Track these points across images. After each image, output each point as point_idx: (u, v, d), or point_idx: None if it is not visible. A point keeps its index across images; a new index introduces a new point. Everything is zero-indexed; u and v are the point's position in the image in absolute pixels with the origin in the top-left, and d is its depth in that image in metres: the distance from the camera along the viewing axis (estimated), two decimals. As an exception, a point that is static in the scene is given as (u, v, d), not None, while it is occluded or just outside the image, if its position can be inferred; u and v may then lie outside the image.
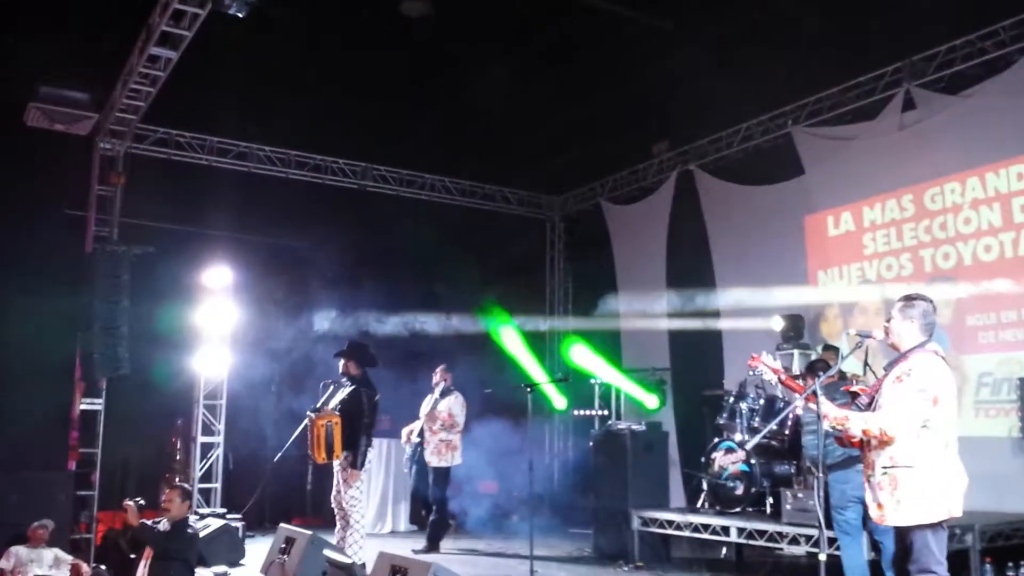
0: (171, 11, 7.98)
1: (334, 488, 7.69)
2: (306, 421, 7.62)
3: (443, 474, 9.34)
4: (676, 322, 11.28)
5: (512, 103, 11.29)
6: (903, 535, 4.46)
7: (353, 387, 7.59)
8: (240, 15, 7.58)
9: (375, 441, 10.18)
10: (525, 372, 10.73)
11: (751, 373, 8.60)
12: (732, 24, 9.71)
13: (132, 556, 6.37)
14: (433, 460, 9.30)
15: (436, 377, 9.59)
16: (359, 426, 7.43)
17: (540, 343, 13.53)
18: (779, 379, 4.91)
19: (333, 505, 7.70)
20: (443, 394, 9.42)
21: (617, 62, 10.93)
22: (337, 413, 7.39)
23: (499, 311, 10.69)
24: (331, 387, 7.98)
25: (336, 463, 7.57)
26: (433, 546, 9.17)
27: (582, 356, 10.29)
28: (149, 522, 6.29)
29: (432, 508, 9.41)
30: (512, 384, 9.61)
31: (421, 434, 9.43)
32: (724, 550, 8.45)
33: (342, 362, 7.79)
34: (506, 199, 13.49)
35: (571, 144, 12.19)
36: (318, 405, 7.59)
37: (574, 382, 10.80)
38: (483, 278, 12.08)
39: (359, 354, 7.80)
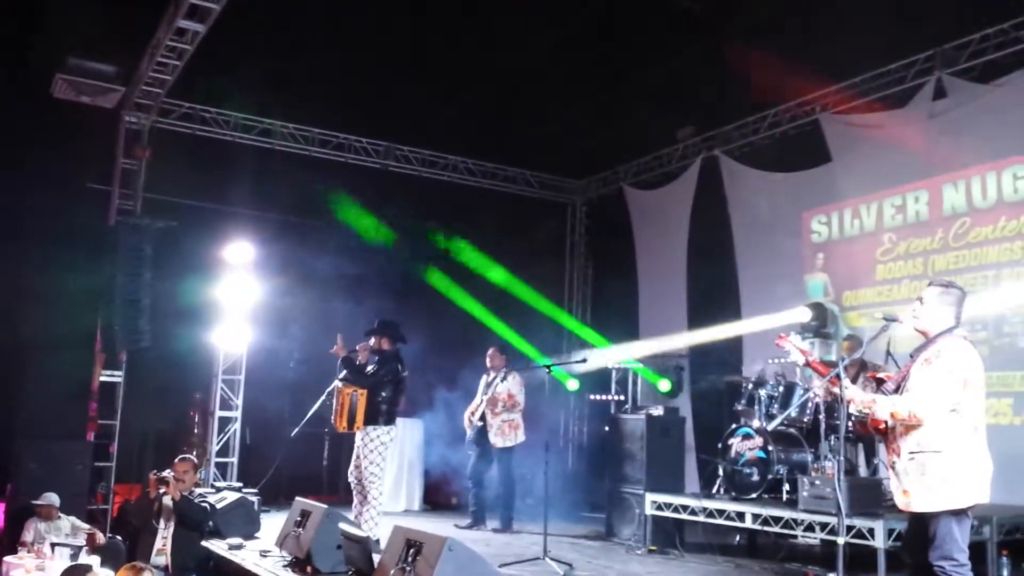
0: (200, -17, 7.99)
1: (352, 463, 7.73)
2: (324, 396, 7.71)
3: (509, 454, 9.41)
4: (696, 308, 11.22)
5: (536, 86, 11.24)
6: (925, 522, 4.41)
7: (382, 361, 7.75)
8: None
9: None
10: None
11: (772, 361, 8.68)
12: (761, 8, 9.62)
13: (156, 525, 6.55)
14: (498, 441, 9.35)
15: (491, 361, 9.61)
16: (384, 392, 7.64)
17: (558, 327, 13.51)
18: (806, 360, 4.87)
19: (351, 480, 7.75)
20: (503, 377, 9.46)
21: (643, 46, 10.85)
22: (365, 386, 7.57)
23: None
24: (348, 363, 8.11)
25: (357, 436, 7.61)
26: (508, 526, 9.28)
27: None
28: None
29: (476, 487, 9.55)
30: (530, 366, 9.65)
31: (483, 417, 9.44)
32: (738, 536, 8.41)
33: (373, 339, 7.87)
34: (528, 182, 13.44)
35: (594, 128, 12.12)
36: (341, 377, 7.66)
37: (591, 366, 10.77)
38: (503, 260, 12.06)
39: (390, 331, 7.97)
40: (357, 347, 7.92)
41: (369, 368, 7.82)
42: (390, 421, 7.71)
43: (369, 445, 7.63)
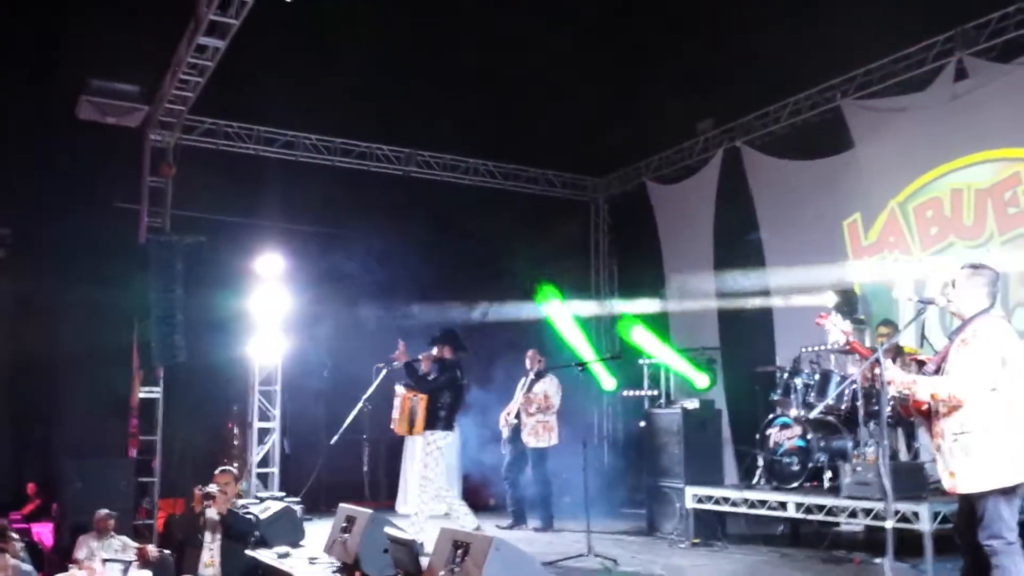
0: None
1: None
2: (361, 403, 7.88)
3: (542, 455, 9.50)
4: (725, 300, 11.21)
5: (553, 85, 11.27)
6: (972, 502, 4.41)
7: (443, 368, 8.04)
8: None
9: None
10: (575, 352, 10.78)
11: (806, 349, 8.67)
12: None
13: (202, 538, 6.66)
14: (531, 441, 9.48)
15: (529, 363, 9.73)
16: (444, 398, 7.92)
17: (588, 324, 13.51)
18: (847, 340, 4.89)
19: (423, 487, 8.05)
20: (538, 376, 9.59)
21: (658, 38, 10.87)
22: (426, 391, 7.86)
23: (550, 289, 10.69)
24: (383, 370, 8.31)
25: (417, 439, 7.98)
26: (549, 525, 9.37)
27: (640, 336, 10.29)
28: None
29: (513, 487, 9.69)
30: (563, 364, 9.69)
31: (518, 416, 9.57)
32: (780, 526, 8.40)
33: (436, 347, 8.15)
34: (550, 182, 13.47)
35: (614, 125, 12.14)
36: (403, 383, 8.05)
37: (623, 362, 10.79)
38: (529, 261, 12.08)
39: (452, 340, 8.22)
40: (420, 356, 8.15)
41: (431, 375, 8.05)
42: (448, 426, 7.95)
43: (426, 449, 7.86)
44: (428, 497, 7.77)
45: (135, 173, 10.42)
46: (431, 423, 7.81)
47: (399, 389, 7.98)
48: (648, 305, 11.89)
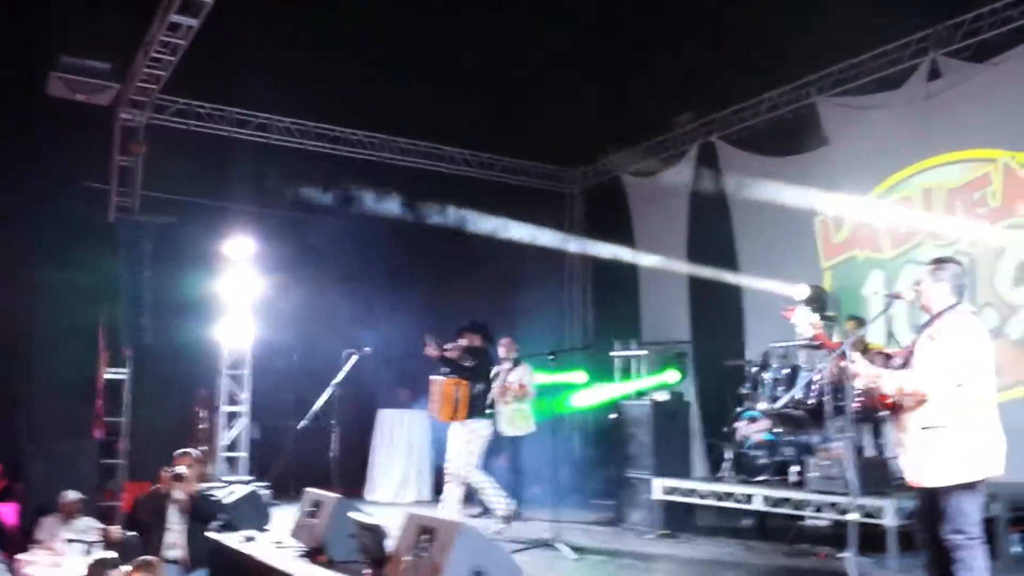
0: (194, -23, 7.98)
1: (450, 452, 8.28)
2: (330, 388, 8.05)
3: (518, 443, 9.54)
4: (697, 294, 11.25)
5: (531, 75, 11.23)
6: (936, 497, 4.44)
7: (476, 355, 8.30)
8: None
9: (399, 413, 10.50)
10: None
11: (776, 344, 8.71)
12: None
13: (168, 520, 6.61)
14: (508, 430, 9.45)
15: (504, 350, 9.68)
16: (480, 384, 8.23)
17: (560, 317, 13.53)
18: (814, 333, 4.91)
19: (448, 470, 8.28)
20: (513, 365, 9.60)
21: (638, 32, 10.85)
22: (466, 378, 8.09)
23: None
24: (354, 356, 8.39)
25: (457, 427, 8.16)
26: (517, 514, 9.24)
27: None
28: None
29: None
30: (536, 353, 9.66)
31: (492, 405, 9.53)
32: (747, 519, 8.45)
33: (466, 337, 8.39)
34: (525, 172, 13.43)
35: (590, 117, 12.11)
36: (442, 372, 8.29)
37: (595, 353, 10.81)
38: (502, 250, 12.05)
39: (482, 330, 8.52)
40: (448, 346, 8.28)
41: (467, 363, 8.23)
42: (485, 415, 8.24)
43: (469, 436, 8.10)
44: (480, 477, 8.12)
45: (104, 152, 10.27)
46: (472, 411, 8.08)
47: (436, 378, 8.23)
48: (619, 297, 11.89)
